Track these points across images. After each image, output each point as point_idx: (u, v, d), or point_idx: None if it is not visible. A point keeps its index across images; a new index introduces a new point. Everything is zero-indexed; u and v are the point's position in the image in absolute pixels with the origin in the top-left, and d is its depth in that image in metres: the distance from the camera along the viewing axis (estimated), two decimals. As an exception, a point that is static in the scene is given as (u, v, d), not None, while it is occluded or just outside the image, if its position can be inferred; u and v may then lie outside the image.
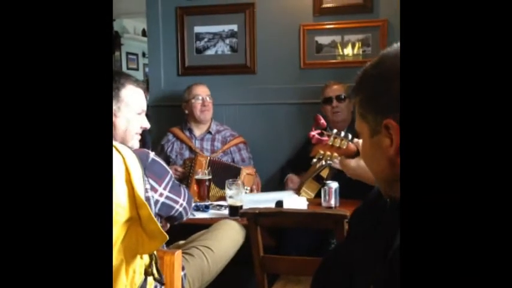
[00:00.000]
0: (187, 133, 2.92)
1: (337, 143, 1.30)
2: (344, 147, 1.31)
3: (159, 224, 1.24)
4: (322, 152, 1.33)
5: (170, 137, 2.93)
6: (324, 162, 1.37)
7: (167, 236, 1.24)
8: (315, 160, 1.37)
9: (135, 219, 1.26)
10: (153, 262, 1.33)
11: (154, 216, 1.25)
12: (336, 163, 1.38)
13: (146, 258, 1.34)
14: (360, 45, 2.95)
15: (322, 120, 1.38)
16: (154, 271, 1.33)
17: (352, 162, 1.35)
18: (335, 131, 1.31)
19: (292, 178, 2.76)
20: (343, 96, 2.74)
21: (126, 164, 1.26)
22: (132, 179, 1.25)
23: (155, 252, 1.35)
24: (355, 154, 1.35)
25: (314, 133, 1.31)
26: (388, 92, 0.77)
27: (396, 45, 0.79)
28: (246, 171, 2.70)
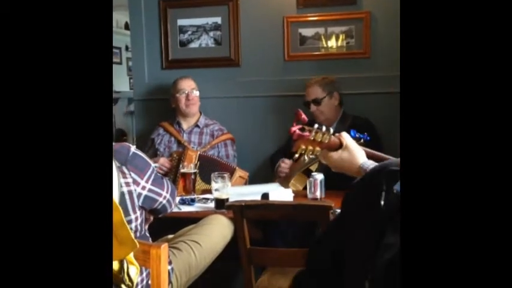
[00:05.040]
0: (176, 126, 2.95)
1: (319, 137, 1.29)
2: (326, 141, 1.31)
3: (131, 232, 1.21)
4: (304, 147, 1.32)
5: (161, 130, 2.97)
6: (306, 157, 1.35)
7: (137, 244, 1.20)
8: (297, 155, 1.35)
9: None
10: (124, 268, 1.28)
11: (126, 222, 1.21)
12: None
13: (115, 264, 1.28)
14: (344, 37, 2.95)
15: (303, 116, 1.36)
16: (126, 277, 1.29)
17: (335, 156, 1.35)
18: (316, 125, 1.30)
19: (285, 160, 2.64)
20: (319, 99, 2.67)
21: None
22: None
23: (126, 258, 1.30)
24: (338, 147, 1.35)
25: (295, 128, 1.29)
26: None
27: None
28: (240, 173, 2.69)
